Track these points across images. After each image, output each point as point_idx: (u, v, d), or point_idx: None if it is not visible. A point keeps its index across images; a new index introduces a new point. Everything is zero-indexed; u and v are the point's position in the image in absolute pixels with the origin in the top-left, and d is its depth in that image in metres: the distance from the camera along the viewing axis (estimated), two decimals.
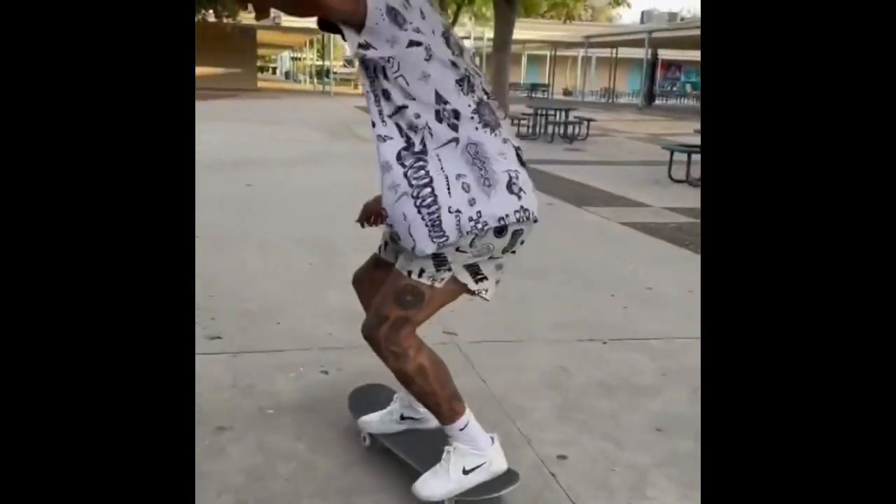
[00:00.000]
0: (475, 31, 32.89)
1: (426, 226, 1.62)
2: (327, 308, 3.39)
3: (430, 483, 1.84)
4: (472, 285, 1.77)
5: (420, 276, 1.71)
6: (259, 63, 44.58)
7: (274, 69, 73.23)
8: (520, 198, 1.66)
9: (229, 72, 32.38)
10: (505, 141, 1.71)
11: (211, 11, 25.46)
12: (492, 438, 1.89)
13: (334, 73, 38.29)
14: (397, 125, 1.63)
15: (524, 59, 45.46)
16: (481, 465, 1.84)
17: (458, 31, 24.94)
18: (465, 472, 1.83)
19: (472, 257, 1.71)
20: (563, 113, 13.30)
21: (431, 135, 1.63)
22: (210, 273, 3.82)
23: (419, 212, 1.62)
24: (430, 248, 1.64)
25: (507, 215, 1.64)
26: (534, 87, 36.84)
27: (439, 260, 1.68)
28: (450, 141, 1.63)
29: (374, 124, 1.65)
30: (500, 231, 1.66)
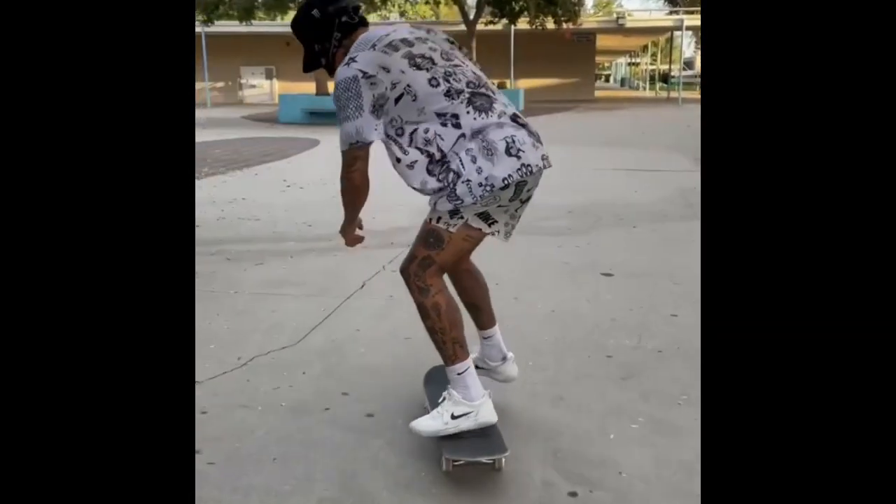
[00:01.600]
0: None
1: (447, 193, 1.97)
2: None
3: (424, 422, 2.11)
4: (485, 229, 2.08)
5: (438, 222, 2.04)
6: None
7: (607, 77, 70.79)
8: (519, 157, 1.94)
9: (565, 82, 30.48)
10: (500, 115, 2.00)
11: (550, 18, 23.79)
12: (485, 393, 2.11)
13: (672, 77, 34.43)
14: (417, 148, 1.98)
15: None
16: (468, 413, 2.07)
17: None
18: (454, 418, 2.07)
19: (481, 207, 2.00)
20: None
21: (443, 138, 1.96)
22: None
23: (446, 188, 1.98)
24: (448, 207, 1.99)
25: (509, 175, 1.93)
26: None
27: (452, 211, 2.00)
28: (459, 137, 1.96)
29: (397, 161, 2.02)
30: (503, 187, 1.94)
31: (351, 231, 2.33)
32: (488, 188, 1.92)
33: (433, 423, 2.09)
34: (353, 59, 1.98)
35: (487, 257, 4.62)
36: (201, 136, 14.36)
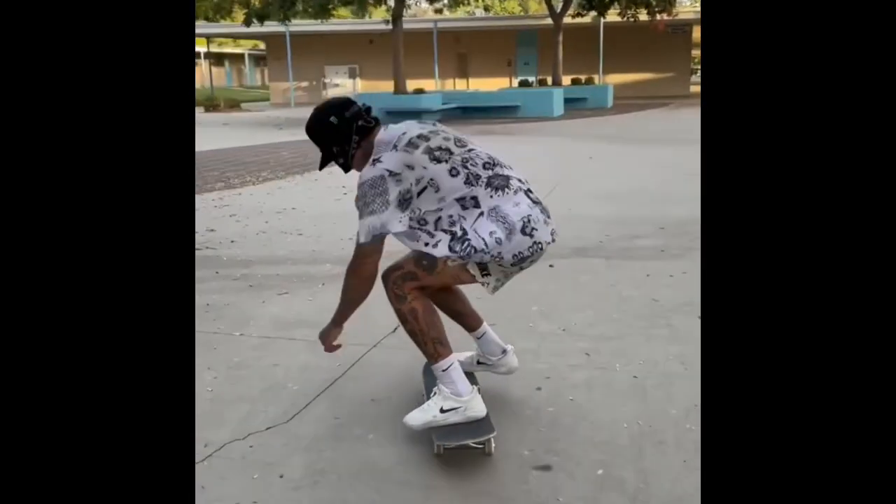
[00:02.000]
0: None
1: (461, 256, 2.09)
2: None
3: (415, 414, 2.18)
4: (478, 277, 2.17)
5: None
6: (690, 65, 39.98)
7: None
8: (532, 236, 2.10)
9: (659, 77, 28.82)
10: (516, 192, 2.14)
11: (642, 9, 22.39)
12: (474, 388, 2.19)
13: None
14: (443, 230, 2.12)
15: None
16: (457, 408, 2.15)
17: None
18: (442, 412, 2.14)
19: (481, 259, 2.12)
20: None
21: (465, 219, 2.10)
22: None
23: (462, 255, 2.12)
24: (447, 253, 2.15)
25: (520, 252, 2.10)
26: None
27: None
28: (479, 216, 2.10)
29: (426, 245, 2.13)
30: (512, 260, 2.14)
31: (334, 336, 2.31)
32: (497, 260, 2.10)
33: (422, 415, 2.17)
34: (378, 160, 2.12)
35: (557, 295, 3.80)
36: (275, 137, 14.02)
